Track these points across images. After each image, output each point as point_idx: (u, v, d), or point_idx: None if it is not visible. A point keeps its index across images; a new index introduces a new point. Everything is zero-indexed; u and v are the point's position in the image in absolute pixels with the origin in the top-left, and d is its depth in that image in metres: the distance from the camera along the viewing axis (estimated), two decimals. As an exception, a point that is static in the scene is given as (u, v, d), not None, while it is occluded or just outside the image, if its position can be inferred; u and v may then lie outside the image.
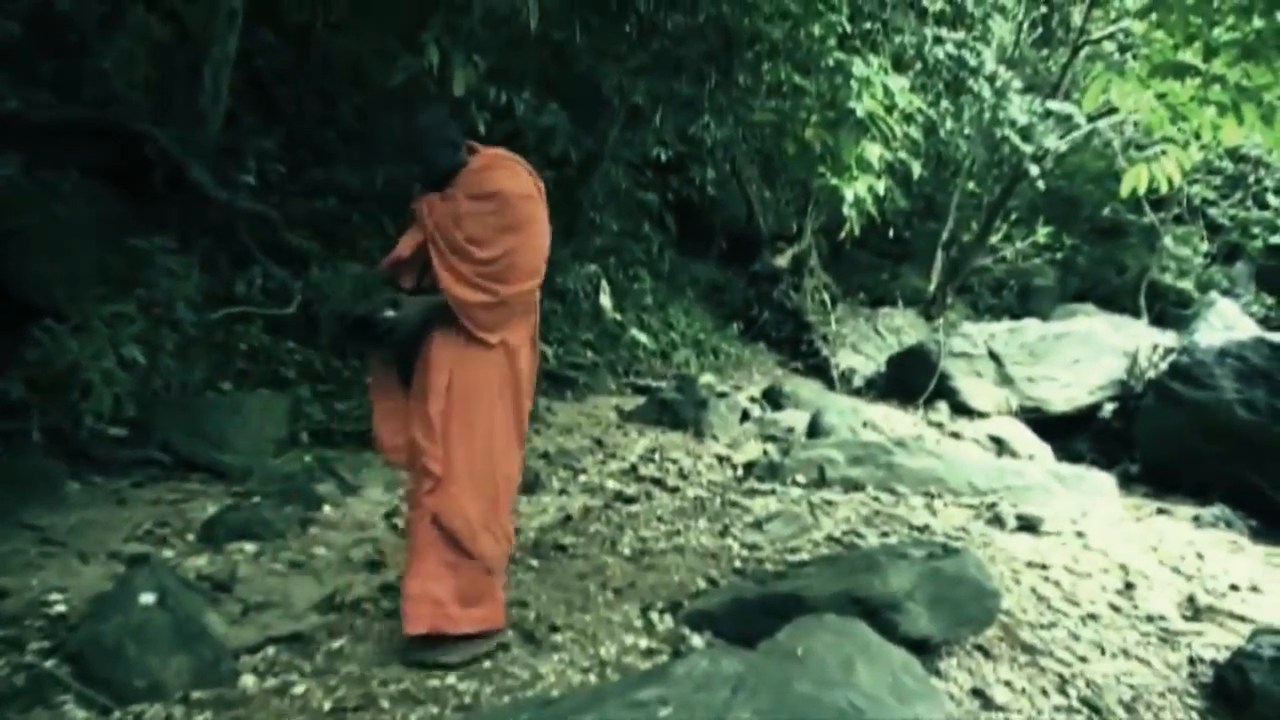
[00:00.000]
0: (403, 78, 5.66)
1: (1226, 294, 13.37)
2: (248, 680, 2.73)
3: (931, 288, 13.23)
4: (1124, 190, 6.00)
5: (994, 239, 13.37)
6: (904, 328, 12.40)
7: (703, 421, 6.77)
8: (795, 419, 7.15)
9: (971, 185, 13.24)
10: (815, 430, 6.74)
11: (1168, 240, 14.07)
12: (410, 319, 2.93)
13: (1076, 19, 12.29)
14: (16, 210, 4.54)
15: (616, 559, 3.98)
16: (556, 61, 7.56)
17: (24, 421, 4.05)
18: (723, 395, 7.73)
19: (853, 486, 5.39)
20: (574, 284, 8.24)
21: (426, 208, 2.98)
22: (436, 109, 3.14)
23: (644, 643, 3.17)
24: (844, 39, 8.08)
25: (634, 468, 5.59)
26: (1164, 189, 6.07)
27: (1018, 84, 9.94)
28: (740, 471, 5.74)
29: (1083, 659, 3.41)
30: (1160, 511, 6.01)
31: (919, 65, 9.12)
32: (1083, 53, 11.67)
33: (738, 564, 3.99)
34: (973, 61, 9.10)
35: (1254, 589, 4.32)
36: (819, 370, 10.64)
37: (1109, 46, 11.52)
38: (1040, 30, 13.59)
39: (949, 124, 9.87)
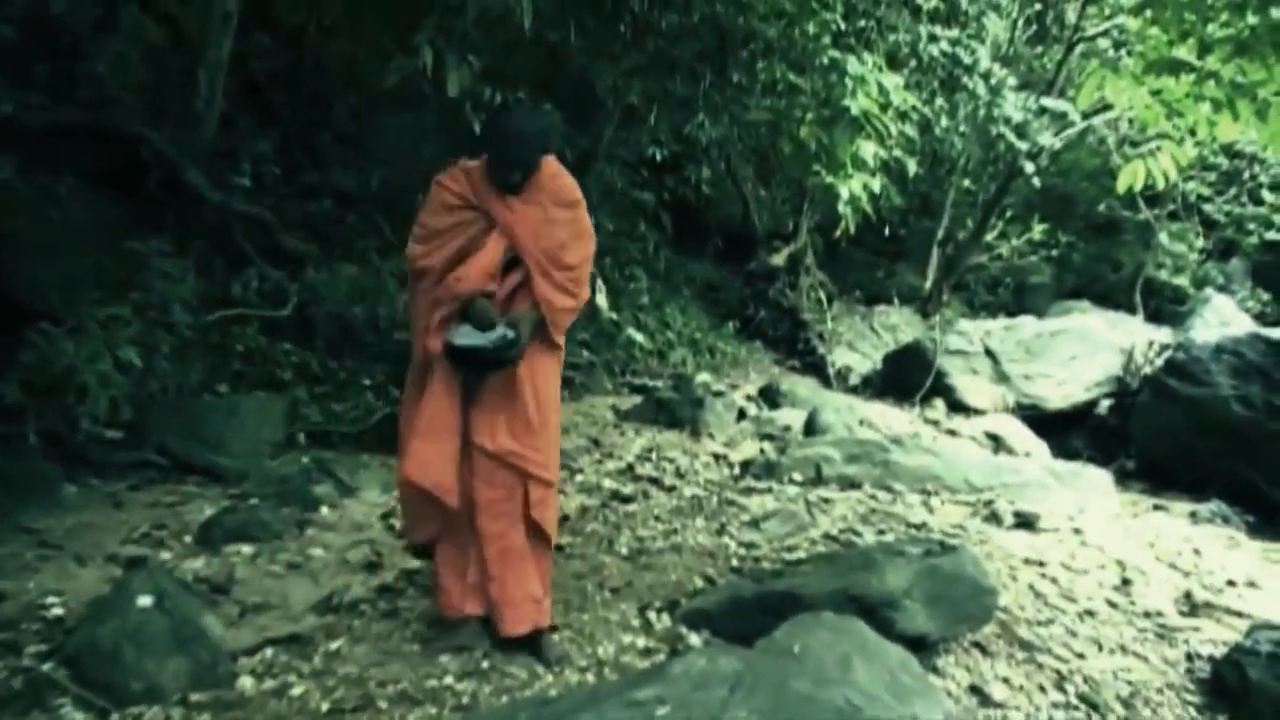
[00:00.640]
0: (397, 79, 5.67)
1: (1222, 290, 13.33)
2: (246, 682, 2.73)
3: (927, 285, 13.22)
4: (1120, 187, 5.99)
5: (989, 236, 13.39)
6: (900, 325, 12.42)
7: (699, 420, 6.76)
8: (792, 417, 7.15)
9: (967, 183, 13.23)
10: (812, 428, 6.74)
11: (1163, 237, 14.08)
12: (526, 336, 2.88)
13: (1071, 16, 12.26)
14: (11, 213, 4.54)
15: (614, 558, 3.98)
16: (551, 62, 7.57)
17: (20, 424, 4.04)
18: (719, 394, 7.72)
19: (849, 484, 5.39)
20: (570, 284, 8.23)
21: (507, 211, 2.90)
22: (538, 112, 3.20)
23: (641, 642, 3.18)
24: (838, 37, 8.09)
25: (631, 467, 5.59)
26: (1159, 185, 6.06)
27: (1012, 81, 9.92)
28: (737, 470, 5.74)
29: (1080, 655, 3.42)
30: (1157, 508, 6.02)
31: (914, 63, 9.10)
32: (1077, 49, 11.66)
33: (735, 562, 3.99)
34: (967, 59, 9.10)
35: (1251, 584, 4.33)
36: (815, 368, 10.65)
37: (1104, 43, 11.49)
38: (1035, 27, 13.58)
39: (944, 121, 9.85)
